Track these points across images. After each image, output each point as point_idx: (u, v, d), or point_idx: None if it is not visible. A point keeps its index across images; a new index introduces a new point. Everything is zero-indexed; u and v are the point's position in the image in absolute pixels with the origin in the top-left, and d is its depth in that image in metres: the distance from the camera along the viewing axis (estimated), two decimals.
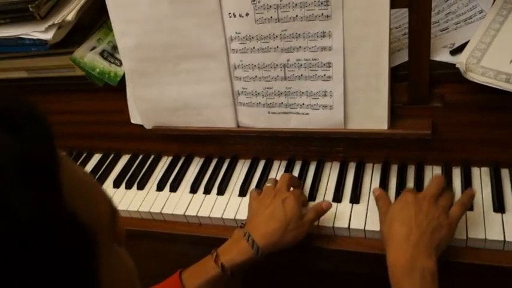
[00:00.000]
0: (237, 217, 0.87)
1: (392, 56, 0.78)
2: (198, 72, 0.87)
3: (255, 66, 0.83)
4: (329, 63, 0.79)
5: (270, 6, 0.77)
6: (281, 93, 0.85)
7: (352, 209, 0.83)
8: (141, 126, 0.98)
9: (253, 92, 0.86)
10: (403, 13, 0.90)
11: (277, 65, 0.82)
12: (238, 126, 0.92)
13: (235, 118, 0.90)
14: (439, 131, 0.80)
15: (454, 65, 0.74)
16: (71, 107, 1.04)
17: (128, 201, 0.96)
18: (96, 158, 1.11)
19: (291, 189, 0.81)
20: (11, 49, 0.96)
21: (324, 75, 0.80)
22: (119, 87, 0.96)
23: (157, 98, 0.92)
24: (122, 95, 0.97)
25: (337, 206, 0.83)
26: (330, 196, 0.85)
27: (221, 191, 0.93)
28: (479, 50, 0.75)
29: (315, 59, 0.79)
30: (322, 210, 0.79)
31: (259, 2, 0.77)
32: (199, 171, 0.98)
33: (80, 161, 1.10)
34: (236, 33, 0.81)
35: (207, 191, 0.94)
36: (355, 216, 0.81)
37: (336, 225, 0.81)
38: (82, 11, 0.94)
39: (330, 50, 0.78)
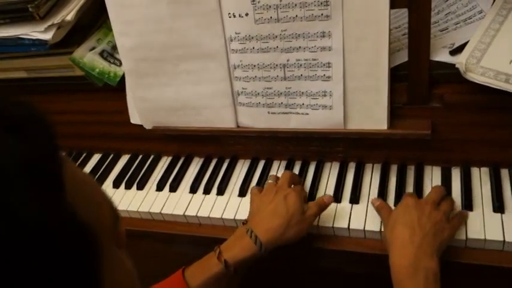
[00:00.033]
0: (237, 217, 0.87)
1: (392, 56, 0.78)
2: (197, 73, 0.87)
3: (254, 66, 0.83)
4: (329, 63, 0.79)
5: (270, 7, 0.77)
6: (281, 94, 0.85)
7: (351, 209, 0.83)
8: (141, 126, 0.98)
9: (252, 92, 0.86)
10: (403, 13, 0.90)
11: (276, 65, 0.82)
12: (238, 127, 0.92)
13: (234, 118, 0.90)
14: (439, 131, 0.80)
15: (454, 65, 0.74)
16: (70, 107, 1.04)
17: (128, 201, 0.96)
18: (96, 158, 1.11)
19: (292, 186, 0.82)
20: (10, 49, 0.96)
21: (324, 75, 0.80)
22: (119, 87, 0.96)
23: (157, 98, 0.92)
24: (122, 95, 0.97)
25: (336, 206, 0.84)
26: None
27: (221, 191, 0.93)
28: (478, 50, 0.75)
29: (314, 59, 0.79)
30: (324, 204, 0.79)
31: (258, 2, 0.77)
32: (199, 171, 0.98)
33: (79, 161, 1.10)
34: (236, 33, 0.81)
35: (206, 191, 0.94)
36: (355, 216, 0.81)
37: (335, 225, 0.81)
38: (81, 11, 0.94)
39: (329, 50, 0.78)
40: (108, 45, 0.98)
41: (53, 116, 0.32)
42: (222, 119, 0.91)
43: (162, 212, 0.92)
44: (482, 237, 0.73)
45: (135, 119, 0.98)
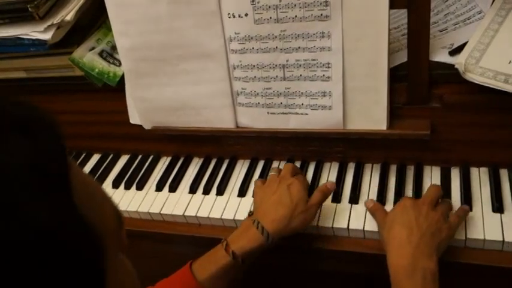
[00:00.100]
0: (236, 217, 0.87)
1: (391, 57, 0.78)
2: (197, 73, 0.87)
3: (254, 66, 0.83)
4: (328, 63, 0.79)
5: (269, 7, 0.77)
6: (280, 94, 0.85)
7: (351, 209, 0.83)
8: (140, 126, 0.98)
9: (252, 92, 0.86)
10: (402, 13, 0.90)
11: (276, 66, 0.82)
12: (238, 127, 0.92)
13: (234, 118, 0.90)
14: (438, 132, 0.80)
15: (453, 65, 0.74)
16: (70, 107, 1.04)
17: (127, 201, 0.96)
18: (95, 158, 1.11)
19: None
20: (9, 49, 0.96)
21: (323, 75, 0.80)
22: (118, 87, 0.95)
23: (157, 98, 0.92)
24: (121, 95, 0.97)
25: (336, 206, 0.84)
26: (329, 196, 0.85)
27: (220, 192, 0.93)
28: (478, 51, 0.75)
29: (314, 60, 0.79)
30: (328, 191, 0.80)
31: (258, 2, 0.77)
32: (199, 171, 0.98)
33: (79, 161, 1.10)
34: (235, 33, 0.81)
35: (206, 192, 0.94)
36: (355, 216, 0.81)
37: (335, 225, 0.81)
38: (81, 11, 0.94)
39: (329, 50, 0.78)
40: (107, 45, 0.98)
41: None
42: (221, 119, 0.91)
43: (162, 212, 0.92)
44: (482, 237, 0.73)
45: (134, 119, 0.98)
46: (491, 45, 0.76)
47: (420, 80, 0.77)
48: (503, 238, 0.72)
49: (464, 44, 0.77)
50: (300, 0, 0.74)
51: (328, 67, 0.79)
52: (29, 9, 0.88)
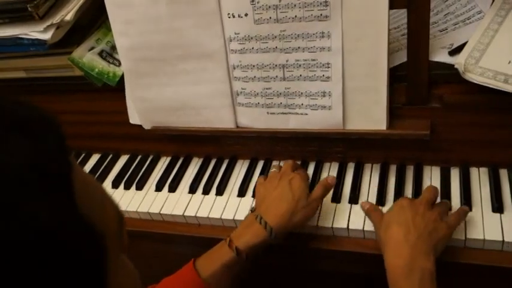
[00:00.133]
0: (236, 217, 0.87)
1: (391, 57, 0.78)
2: (197, 73, 0.87)
3: (254, 66, 0.83)
4: (328, 63, 0.79)
5: (269, 7, 0.77)
6: (280, 94, 0.85)
7: (351, 209, 0.83)
8: (140, 126, 0.98)
9: (252, 92, 0.86)
10: (402, 13, 0.90)
11: (276, 66, 0.82)
12: (237, 127, 0.92)
13: (234, 118, 0.90)
14: (438, 132, 0.80)
15: (453, 65, 0.74)
16: (69, 107, 1.04)
17: (127, 201, 0.96)
18: (95, 158, 1.11)
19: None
20: (9, 49, 0.95)
21: (323, 75, 0.80)
22: (118, 87, 0.95)
23: (156, 98, 0.92)
24: (121, 95, 0.96)
25: (336, 207, 0.84)
26: (328, 196, 0.85)
27: (220, 192, 0.93)
28: (477, 51, 0.75)
29: (313, 60, 0.79)
30: (329, 185, 0.80)
31: (258, 2, 0.77)
32: (198, 171, 0.98)
33: (78, 161, 1.10)
34: (235, 33, 0.81)
35: (205, 192, 0.94)
36: (354, 216, 0.81)
37: (335, 225, 0.81)
38: (81, 11, 0.94)
39: (328, 50, 0.78)
40: (107, 45, 0.98)
41: None
42: (221, 119, 0.91)
43: (161, 212, 0.92)
44: (481, 238, 0.73)
45: (134, 119, 0.98)
46: (491, 45, 0.76)
47: (420, 80, 0.77)
48: (503, 238, 0.72)
49: (464, 44, 0.77)
50: (300, 0, 0.74)
51: (328, 67, 0.79)
52: (29, 9, 0.88)
